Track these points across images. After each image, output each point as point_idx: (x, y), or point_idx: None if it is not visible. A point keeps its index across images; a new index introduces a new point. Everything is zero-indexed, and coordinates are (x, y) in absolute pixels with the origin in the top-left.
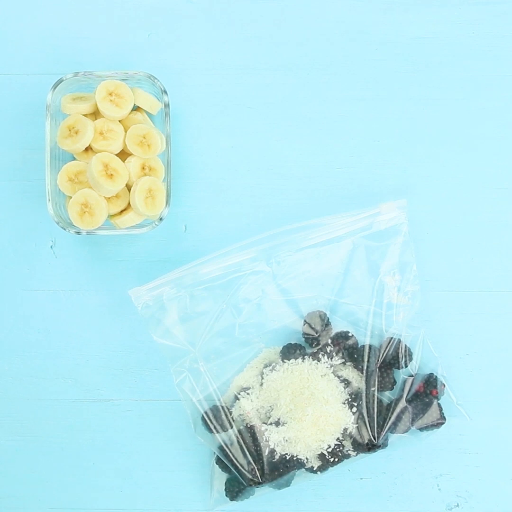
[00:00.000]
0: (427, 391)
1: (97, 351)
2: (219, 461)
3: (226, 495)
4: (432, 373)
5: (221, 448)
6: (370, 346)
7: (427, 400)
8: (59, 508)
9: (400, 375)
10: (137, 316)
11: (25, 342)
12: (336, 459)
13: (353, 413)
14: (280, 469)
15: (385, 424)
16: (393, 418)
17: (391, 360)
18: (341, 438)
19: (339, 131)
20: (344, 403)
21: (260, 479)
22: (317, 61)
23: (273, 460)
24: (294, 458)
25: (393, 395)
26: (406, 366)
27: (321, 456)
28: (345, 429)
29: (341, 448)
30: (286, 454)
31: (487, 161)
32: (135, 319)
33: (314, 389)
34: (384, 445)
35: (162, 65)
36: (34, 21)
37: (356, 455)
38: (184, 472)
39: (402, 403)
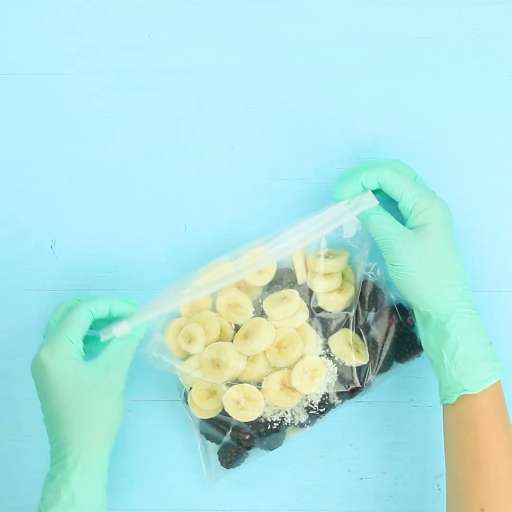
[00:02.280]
0: (401, 322)
1: None
2: (204, 431)
3: (221, 465)
4: (400, 303)
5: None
6: None
7: (403, 330)
8: None
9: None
10: None
11: (25, 342)
12: (324, 409)
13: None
14: (267, 426)
15: (368, 364)
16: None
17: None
18: (325, 391)
19: (338, 131)
20: (321, 355)
21: (251, 437)
22: (317, 61)
23: (259, 421)
24: (279, 416)
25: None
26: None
27: (308, 409)
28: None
29: (327, 397)
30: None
31: (487, 161)
32: None
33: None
34: (368, 386)
35: (162, 65)
36: (34, 21)
37: (342, 402)
38: (184, 472)
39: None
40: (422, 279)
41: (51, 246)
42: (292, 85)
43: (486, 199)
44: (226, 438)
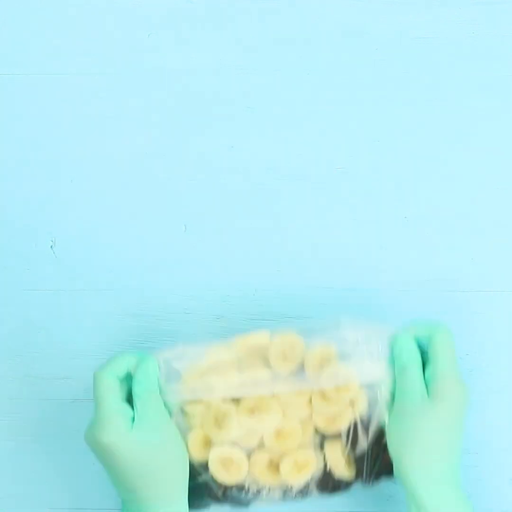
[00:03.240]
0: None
1: (97, 351)
2: None
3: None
4: None
5: None
6: None
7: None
8: (59, 508)
9: None
10: (137, 317)
11: (25, 342)
12: (300, 497)
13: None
14: (243, 493)
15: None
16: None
17: None
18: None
19: (339, 131)
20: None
21: (222, 494)
22: (317, 61)
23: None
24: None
25: None
26: None
27: (285, 491)
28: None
29: (307, 487)
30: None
31: (487, 161)
32: (135, 319)
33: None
34: (349, 489)
35: (162, 65)
36: (34, 21)
37: (320, 495)
38: None
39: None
40: (400, 443)
41: (51, 246)
42: (292, 85)
43: (487, 198)
44: (200, 479)
